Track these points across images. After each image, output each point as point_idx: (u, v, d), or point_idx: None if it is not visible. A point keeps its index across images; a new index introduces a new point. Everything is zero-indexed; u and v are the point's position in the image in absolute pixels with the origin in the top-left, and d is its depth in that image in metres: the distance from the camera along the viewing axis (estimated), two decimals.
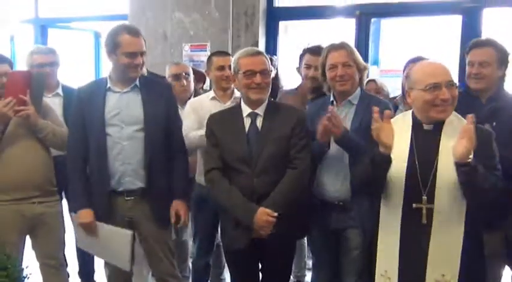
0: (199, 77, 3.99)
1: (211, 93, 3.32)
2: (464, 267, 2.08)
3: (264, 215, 2.45)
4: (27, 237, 2.96)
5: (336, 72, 2.59)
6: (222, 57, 3.31)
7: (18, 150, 2.80)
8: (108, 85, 2.71)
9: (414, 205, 2.09)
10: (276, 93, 3.73)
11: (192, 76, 3.72)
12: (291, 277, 3.14)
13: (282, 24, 5.21)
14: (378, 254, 2.20)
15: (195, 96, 3.63)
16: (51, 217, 2.93)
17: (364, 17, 4.79)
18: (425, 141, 2.12)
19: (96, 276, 3.81)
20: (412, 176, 2.09)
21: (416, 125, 2.16)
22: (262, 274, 2.75)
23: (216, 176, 2.57)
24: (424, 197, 2.08)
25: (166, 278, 2.85)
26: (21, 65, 3.87)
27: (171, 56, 5.15)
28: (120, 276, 2.91)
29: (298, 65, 3.45)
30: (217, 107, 3.09)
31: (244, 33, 4.98)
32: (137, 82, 2.72)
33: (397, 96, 3.68)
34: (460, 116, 2.15)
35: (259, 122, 2.57)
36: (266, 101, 2.60)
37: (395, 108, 3.15)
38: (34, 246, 2.98)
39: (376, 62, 5.06)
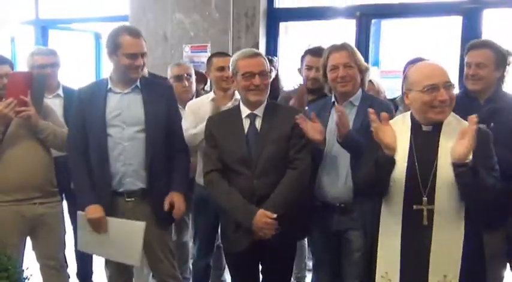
0: (200, 78, 3.99)
1: (211, 94, 3.32)
2: (465, 268, 2.08)
3: (263, 217, 2.45)
4: (28, 239, 2.97)
5: (337, 73, 2.58)
6: (222, 58, 3.32)
7: (19, 151, 2.81)
8: (109, 86, 2.72)
9: (415, 206, 2.09)
10: (277, 93, 3.73)
11: (194, 77, 3.73)
12: (291, 278, 3.14)
13: (283, 25, 5.20)
14: (378, 255, 2.20)
15: (196, 97, 3.63)
16: (51, 218, 2.93)
17: (365, 18, 4.78)
18: (424, 143, 2.12)
19: (94, 278, 3.80)
20: (412, 177, 2.09)
21: (415, 126, 2.16)
22: (262, 275, 2.75)
23: (215, 177, 2.57)
24: (425, 198, 2.08)
25: (167, 279, 2.85)
26: (21, 66, 3.88)
27: (171, 57, 5.15)
28: (120, 277, 2.91)
29: (299, 66, 3.45)
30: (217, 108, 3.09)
31: (244, 34, 4.98)
32: (138, 83, 2.73)
33: (397, 97, 3.68)
34: (458, 117, 2.15)
35: (258, 123, 2.57)
36: (265, 102, 2.60)
37: (395, 109, 3.15)
38: (34, 247, 2.99)
39: (376, 63, 5.05)
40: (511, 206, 2.53)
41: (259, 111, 2.58)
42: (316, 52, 3.21)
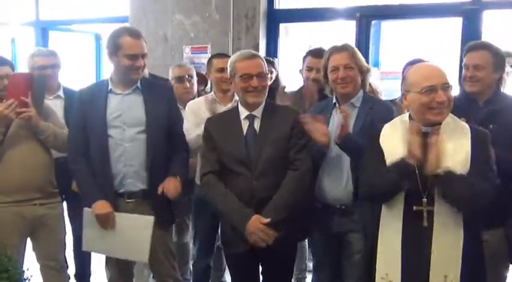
0: (201, 79, 4.00)
1: (212, 95, 3.33)
2: (465, 268, 2.08)
3: (257, 222, 2.45)
4: (28, 240, 2.97)
5: (337, 75, 2.58)
6: (222, 59, 3.32)
7: (19, 152, 2.81)
8: (110, 87, 2.72)
9: (415, 208, 2.09)
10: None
11: (195, 78, 3.73)
12: (292, 279, 3.14)
13: (283, 26, 5.20)
14: (378, 257, 2.20)
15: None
16: (52, 219, 2.93)
17: (365, 19, 4.78)
18: (423, 144, 2.11)
19: (92, 279, 3.80)
20: (411, 178, 2.09)
21: None
22: (262, 276, 2.75)
23: (212, 179, 2.57)
24: (424, 200, 2.08)
25: (167, 280, 2.85)
26: (22, 67, 3.88)
27: (171, 58, 5.15)
28: (121, 278, 2.91)
29: (301, 67, 3.45)
30: (217, 109, 3.10)
31: (244, 35, 4.98)
32: (138, 84, 2.73)
33: (396, 98, 3.68)
34: (456, 118, 2.16)
35: (257, 124, 2.57)
36: (263, 103, 2.60)
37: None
38: (35, 248, 2.99)
39: (376, 64, 5.05)
40: (511, 206, 2.53)
41: (258, 112, 2.58)
42: (317, 53, 3.21)
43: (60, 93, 3.48)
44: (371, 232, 2.29)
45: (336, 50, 2.64)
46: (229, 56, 3.49)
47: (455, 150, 2.05)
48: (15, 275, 2.15)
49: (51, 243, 2.97)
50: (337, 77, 2.58)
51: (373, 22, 4.85)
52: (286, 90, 3.96)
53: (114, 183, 2.68)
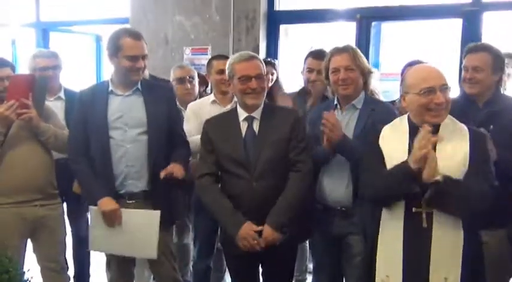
0: (202, 80, 4.01)
1: (212, 97, 3.33)
2: (465, 270, 2.08)
3: (249, 229, 2.45)
4: (29, 241, 2.97)
5: (338, 76, 2.58)
6: (222, 61, 3.31)
7: (20, 153, 2.82)
8: (110, 88, 2.72)
9: (414, 209, 2.09)
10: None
11: (196, 79, 3.74)
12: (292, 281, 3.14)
13: (283, 28, 5.21)
14: (378, 259, 2.20)
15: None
16: (52, 220, 2.94)
17: (365, 21, 4.78)
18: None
19: (92, 281, 3.80)
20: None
21: (412, 129, 2.16)
22: (263, 278, 2.75)
23: (208, 182, 2.58)
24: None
25: (168, 281, 2.85)
26: (22, 69, 3.88)
27: (172, 60, 5.15)
28: (121, 279, 2.91)
29: (302, 69, 3.45)
30: (217, 110, 3.10)
31: (245, 36, 4.98)
32: (139, 85, 2.73)
33: (396, 100, 3.68)
34: (455, 119, 2.16)
35: (256, 126, 2.57)
36: (262, 104, 2.60)
37: None
38: (35, 250, 2.99)
39: (376, 66, 5.05)
40: (511, 208, 2.54)
41: (257, 114, 2.58)
42: (317, 55, 3.21)
43: (61, 94, 3.48)
44: (371, 234, 2.29)
45: (337, 51, 2.63)
46: (228, 58, 3.50)
47: (454, 151, 2.06)
48: (16, 276, 2.15)
49: (52, 244, 2.97)
50: (338, 79, 2.58)
51: (373, 23, 4.85)
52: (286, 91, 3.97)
53: (115, 184, 2.68)
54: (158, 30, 5.27)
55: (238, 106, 2.63)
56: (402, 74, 3.11)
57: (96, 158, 2.69)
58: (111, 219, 2.66)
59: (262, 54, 4.88)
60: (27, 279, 2.26)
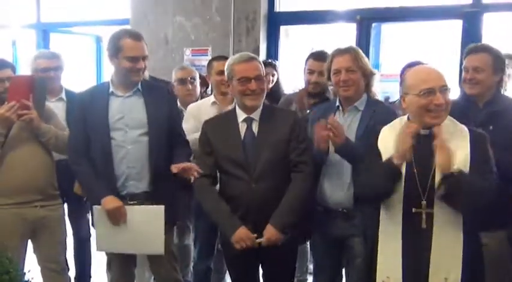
0: (202, 81, 4.01)
1: (212, 98, 3.33)
2: (465, 270, 2.08)
3: (245, 233, 2.46)
4: (29, 242, 2.97)
5: (339, 77, 2.57)
6: (222, 62, 3.30)
7: (21, 154, 2.82)
8: (111, 89, 2.72)
9: (414, 210, 2.10)
10: (278, 97, 3.73)
11: (198, 80, 3.74)
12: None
13: (283, 29, 5.21)
14: (378, 260, 2.20)
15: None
16: (53, 221, 2.94)
17: (365, 22, 4.79)
18: (422, 146, 2.11)
19: (92, 281, 3.80)
20: (410, 180, 2.10)
21: None
22: (263, 278, 2.75)
23: (205, 183, 2.58)
24: (424, 202, 2.09)
25: None
26: (23, 70, 3.89)
27: (172, 61, 5.15)
28: (122, 279, 2.91)
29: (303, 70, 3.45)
30: (217, 111, 3.10)
31: (245, 37, 4.98)
32: (139, 86, 2.73)
33: (395, 101, 3.68)
34: (455, 120, 2.17)
35: (255, 127, 2.56)
36: (261, 106, 2.59)
37: None
38: (36, 250, 2.99)
39: (376, 67, 5.06)
40: (511, 209, 2.54)
41: (256, 115, 2.57)
42: (318, 56, 3.20)
43: (63, 95, 3.49)
44: (371, 235, 2.29)
45: (339, 52, 2.63)
46: None
47: (454, 152, 2.06)
48: (16, 276, 2.15)
49: (52, 245, 2.97)
50: (339, 80, 2.57)
51: (373, 25, 4.86)
52: (287, 92, 3.97)
53: (116, 185, 2.68)
54: (158, 31, 5.28)
55: (237, 107, 2.62)
56: (402, 75, 3.12)
57: (97, 159, 2.69)
58: (116, 218, 2.65)
59: (262, 55, 4.88)
60: (28, 280, 2.26)
